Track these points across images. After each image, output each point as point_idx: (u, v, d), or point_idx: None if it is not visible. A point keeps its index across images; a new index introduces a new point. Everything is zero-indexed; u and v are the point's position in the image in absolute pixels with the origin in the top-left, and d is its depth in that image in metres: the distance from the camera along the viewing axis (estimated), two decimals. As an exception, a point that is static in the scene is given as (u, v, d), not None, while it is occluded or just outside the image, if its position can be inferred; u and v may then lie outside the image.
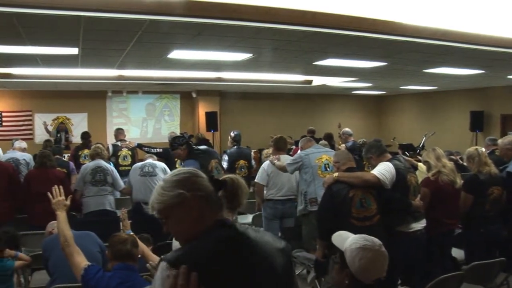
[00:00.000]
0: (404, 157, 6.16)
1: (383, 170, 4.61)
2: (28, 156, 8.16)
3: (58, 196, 3.50)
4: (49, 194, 3.50)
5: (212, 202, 1.79)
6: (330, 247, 2.63)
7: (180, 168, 2.39)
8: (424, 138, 12.36)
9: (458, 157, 8.38)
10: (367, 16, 5.50)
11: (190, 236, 1.74)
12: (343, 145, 9.49)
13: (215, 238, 1.70)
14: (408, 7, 5.51)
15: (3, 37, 6.15)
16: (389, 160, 4.79)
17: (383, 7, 5.46)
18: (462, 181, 5.26)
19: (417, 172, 5.93)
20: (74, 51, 7.19)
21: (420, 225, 4.78)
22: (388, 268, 2.46)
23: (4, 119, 14.12)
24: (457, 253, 5.57)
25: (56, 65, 9.03)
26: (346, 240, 2.49)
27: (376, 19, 5.57)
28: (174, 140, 6.46)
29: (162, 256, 1.69)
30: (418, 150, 11.33)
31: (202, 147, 7.14)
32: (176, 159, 8.52)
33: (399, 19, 5.68)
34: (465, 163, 6.08)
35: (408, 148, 11.30)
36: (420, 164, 6.16)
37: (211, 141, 12.33)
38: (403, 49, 7.24)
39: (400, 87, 14.58)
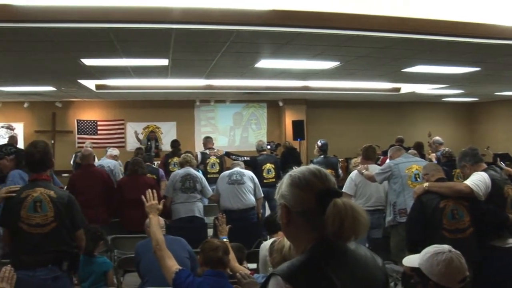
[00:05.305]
0: (502, 166, 5.84)
1: (477, 180, 4.38)
2: (113, 163, 8.58)
3: (151, 200, 3.62)
4: (142, 197, 3.62)
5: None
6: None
7: None
8: (522, 147, 11.74)
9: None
10: (458, 20, 5.32)
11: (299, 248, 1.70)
12: (433, 154, 9.17)
13: (322, 254, 1.62)
14: (502, 7, 5.28)
15: (101, 51, 6.49)
16: (484, 170, 4.54)
17: (475, 9, 5.27)
18: None
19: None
20: (164, 62, 7.45)
21: (518, 240, 4.51)
22: (481, 285, 2.40)
23: (99, 127, 14.84)
24: None
25: (147, 76, 9.39)
26: (415, 257, 2.55)
27: (467, 23, 5.38)
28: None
29: (273, 270, 1.63)
30: (515, 160, 10.78)
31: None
32: (263, 167, 8.62)
33: (493, 21, 5.45)
34: None
35: (504, 158, 10.76)
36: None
37: (298, 149, 12.32)
38: (498, 53, 6.93)
39: (494, 93, 13.94)
